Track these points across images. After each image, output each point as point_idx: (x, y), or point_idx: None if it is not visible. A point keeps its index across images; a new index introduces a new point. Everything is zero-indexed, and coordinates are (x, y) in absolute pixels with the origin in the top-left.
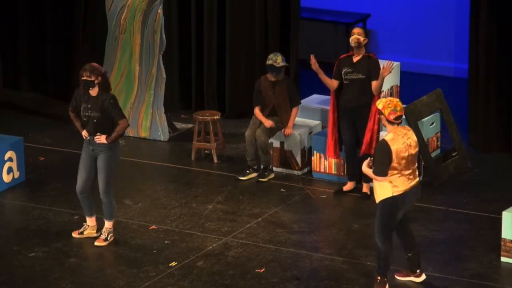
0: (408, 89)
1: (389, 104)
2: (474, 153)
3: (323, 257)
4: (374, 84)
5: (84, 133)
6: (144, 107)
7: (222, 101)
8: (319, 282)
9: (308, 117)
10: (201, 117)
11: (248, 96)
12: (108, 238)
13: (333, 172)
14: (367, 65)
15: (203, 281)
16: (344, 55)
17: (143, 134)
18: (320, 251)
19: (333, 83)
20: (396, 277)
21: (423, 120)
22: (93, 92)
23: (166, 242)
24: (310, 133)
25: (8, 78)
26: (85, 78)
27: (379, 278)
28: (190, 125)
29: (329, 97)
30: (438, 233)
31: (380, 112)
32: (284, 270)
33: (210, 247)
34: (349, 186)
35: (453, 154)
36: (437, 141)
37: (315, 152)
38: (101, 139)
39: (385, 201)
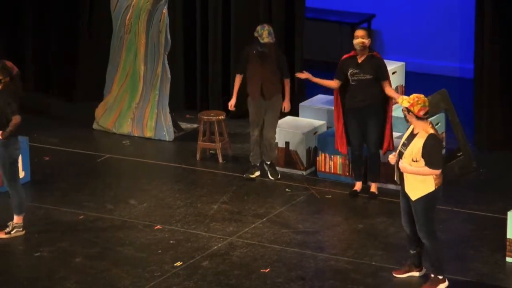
0: (413, 89)
1: (417, 101)
2: (479, 153)
3: (328, 257)
4: (387, 88)
5: None
6: (149, 107)
7: (227, 101)
8: (324, 282)
9: (313, 117)
10: (206, 117)
11: None
12: (12, 233)
13: (338, 172)
14: (372, 65)
15: (208, 281)
16: (347, 55)
17: (148, 134)
18: (325, 251)
19: (333, 84)
20: (395, 275)
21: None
22: None
23: (171, 242)
24: (315, 133)
25: None
26: None
27: (432, 275)
28: (195, 125)
29: (333, 96)
30: (443, 233)
31: (408, 110)
32: (289, 270)
33: (215, 247)
34: (358, 186)
35: (458, 154)
36: (442, 141)
37: (320, 152)
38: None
39: (428, 195)
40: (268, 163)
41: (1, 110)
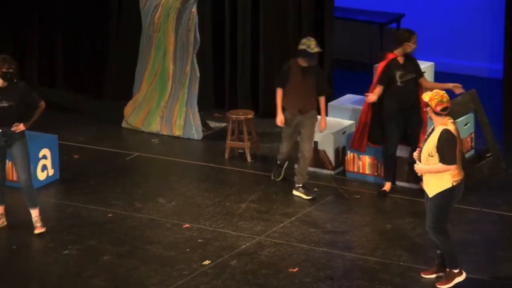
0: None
1: (435, 95)
2: (508, 153)
3: (356, 257)
4: (427, 83)
5: None
6: (178, 105)
7: (255, 100)
8: (352, 282)
9: (342, 116)
10: (234, 116)
11: None
12: (44, 225)
13: (366, 172)
14: (413, 64)
15: (236, 280)
16: (387, 60)
17: (177, 132)
18: (354, 251)
19: (379, 89)
20: (423, 275)
21: (457, 120)
22: (2, 83)
23: (199, 240)
24: (344, 132)
25: (43, 76)
26: (8, 70)
27: (447, 270)
28: (223, 124)
29: (362, 96)
30: (472, 234)
31: (426, 104)
32: (317, 270)
33: (244, 246)
34: (387, 186)
35: (487, 155)
36: (471, 142)
37: (348, 151)
38: (19, 127)
39: (444, 192)
40: (300, 185)
41: (22, 99)
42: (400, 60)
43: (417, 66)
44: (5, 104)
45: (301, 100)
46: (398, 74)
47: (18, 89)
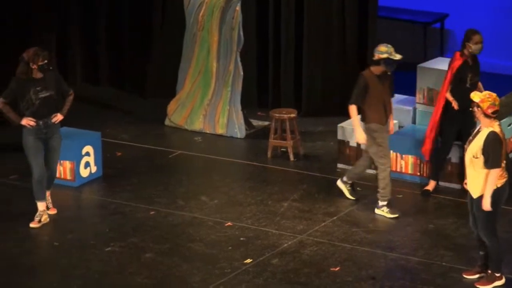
0: (487, 90)
1: (488, 97)
2: None
3: (398, 257)
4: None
5: (29, 121)
6: (221, 104)
7: (299, 99)
8: (394, 282)
9: None
10: (277, 115)
11: (325, 94)
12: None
13: (409, 172)
14: (478, 66)
15: (278, 278)
16: (459, 62)
17: (220, 131)
18: (396, 251)
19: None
20: (465, 276)
21: (501, 121)
22: (39, 74)
23: (241, 239)
24: None
25: (86, 73)
26: (43, 62)
27: (489, 272)
28: (266, 123)
29: (406, 97)
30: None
31: (476, 105)
32: (359, 269)
33: (285, 245)
34: (432, 185)
35: None
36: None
37: (391, 151)
38: (59, 117)
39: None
40: (385, 204)
41: (58, 88)
42: (470, 61)
43: (479, 68)
44: (45, 94)
45: (385, 109)
46: (469, 76)
47: (53, 78)
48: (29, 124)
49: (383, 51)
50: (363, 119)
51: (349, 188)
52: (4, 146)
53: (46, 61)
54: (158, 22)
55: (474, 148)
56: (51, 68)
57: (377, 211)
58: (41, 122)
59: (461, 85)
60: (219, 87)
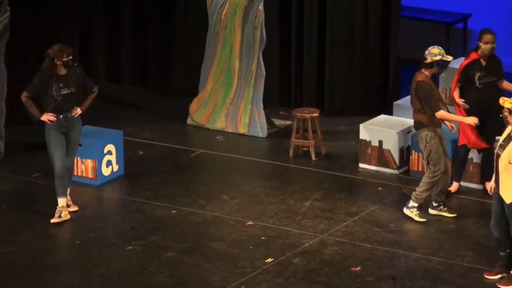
0: None
1: None
2: None
3: (419, 257)
4: (507, 85)
5: (49, 116)
6: (243, 103)
7: (321, 99)
8: (415, 282)
9: (407, 116)
10: (299, 114)
11: (347, 94)
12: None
13: None
14: (495, 66)
15: (299, 278)
16: (468, 60)
17: (242, 130)
18: (417, 251)
19: (457, 93)
20: (486, 276)
21: None
22: (63, 70)
23: (262, 238)
24: (409, 132)
25: (109, 72)
26: (68, 58)
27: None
28: (288, 122)
29: None
30: None
31: (508, 111)
32: (380, 269)
33: (307, 244)
34: (455, 186)
35: None
36: None
37: (413, 151)
38: (78, 111)
39: None
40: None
41: (80, 84)
42: (483, 61)
43: (499, 67)
44: (67, 91)
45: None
46: (477, 75)
47: (76, 74)
48: (49, 120)
49: (436, 53)
50: (420, 126)
51: (444, 208)
52: (27, 145)
53: (70, 58)
54: (181, 21)
55: (508, 153)
56: (75, 64)
57: (406, 211)
58: (61, 116)
59: (469, 84)
60: (241, 86)
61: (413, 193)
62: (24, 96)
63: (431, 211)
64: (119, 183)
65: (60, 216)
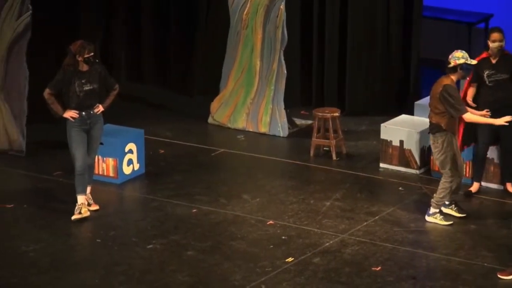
0: None
1: None
2: None
3: (439, 257)
4: None
5: (72, 113)
6: (264, 102)
7: (342, 98)
8: (435, 282)
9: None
10: (320, 114)
11: (368, 94)
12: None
13: None
14: (507, 64)
15: (319, 277)
16: (479, 58)
17: (263, 129)
18: (437, 251)
19: (472, 91)
20: (500, 276)
21: None
22: (85, 67)
23: (283, 237)
24: (430, 132)
25: (131, 71)
26: (89, 55)
27: None
28: (309, 122)
29: None
30: None
31: None
32: (400, 269)
33: (327, 244)
34: (475, 187)
35: None
36: None
37: None
38: (100, 108)
39: None
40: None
41: (102, 81)
42: (493, 59)
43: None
44: (89, 87)
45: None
46: (486, 73)
47: (98, 71)
48: (71, 117)
49: (460, 56)
50: (438, 129)
51: (454, 207)
52: (48, 143)
53: (92, 54)
54: (202, 20)
55: None
56: (97, 61)
57: (429, 218)
58: (83, 113)
59: (481, 83)
60: (262, 85)
61: (432, 200)
62: (47, 93)
63: (443, 209)
64: (140, 182)
65: (80, 213)
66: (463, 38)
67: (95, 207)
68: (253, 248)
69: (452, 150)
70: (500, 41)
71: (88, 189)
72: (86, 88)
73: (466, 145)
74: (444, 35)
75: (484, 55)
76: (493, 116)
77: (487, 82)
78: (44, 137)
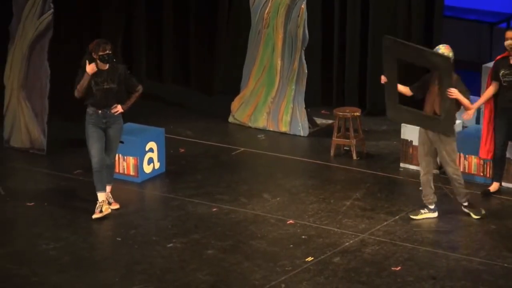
0: None
1: None
2: None
3: (460, 257)
4: None
5: (92, 66)
6: (285, 101)
7: (363, 98)
8: (455, 282)
9: None
10: (341, 113)
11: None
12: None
13: (472, 172)
14: None
15: (339, 277)
16: (500, 56)
17: (283, 128)
18: (457, 251)
19: (493, 89)
20: None
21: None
22: (103, 65)
23: (303, 237)
24: None
25: (151, 70)
26: (104, 53)
27: None
28: (330, 121)
29: (472, 97)
30: None
31: None
32: (420, 269)
33: (347, 244)
34: (495, 186)
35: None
36: None
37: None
38: (118, 109)
39: None
40: (466, 204)
41: (121, 82)
42: (511, 59)
43: None
44: (106, 86)
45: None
46: (501, 73)
47: (118, 71)
48: (90, 70)
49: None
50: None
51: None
52: (68, 142)
53: (106, 52)
54: (223, 19)
55: None
56: (114, 60)
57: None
58: (100, 112)
59: (498, 82)
60: (283, 85)
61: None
62: (76, 91)
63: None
64: (160, 181)
65: (101, 211)
66: (484, 38)
67: (115, 206)
68: (273, 247)
69: (420, 142)
70: (511, 39)
71: (108, 188)
72: (104, 87)
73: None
74: (465, 35)
75: (505, 54)
76: (505, 115)
77: (502, 82)
78: (65, 136)
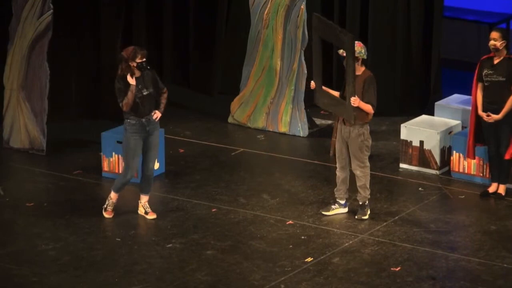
0: None
1: None
2: None
3: (459, 258)
4: None
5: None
6: (285, 102)
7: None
8: (455, 283)
9: (449, 116)
10: None
11: (388, 94)
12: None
13: (472, 173)
14: (506, 68)
15: (339, 277)
16: (486, 56)
17: (283, 129)
18: (457, 252)
19: (478, 88)
20: None
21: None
22: (137, 72)
23: (302, 237)
24: (450, 132)
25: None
26: (142, 60)
27: None
28: (329, 122)
29: (469, 96)
30: None
31: None
32: (419, 270)
33: (346, 244)
34: (493, 187)
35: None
36: None
37: (454, 152)
38: (158, 114)
39: None
40: (360, 203)
41: (155, 85)
42: (496, 60)
43: (510, 70)
44: (145, 92)
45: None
46: (484, 72)
47: (150, 75)
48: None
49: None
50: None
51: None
52: (68, 142)
53: (144, 60)
54: (223, 19)
55: None
56: (148, 67)
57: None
58: (143, 120)
59: (482, 83)
60: (282, 85)
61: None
62: (124, 105)
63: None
64: (159, 181)
65: (112, 210)
66: (484, 38)
67: (152, 215)
68: (272, 247)
69: (337, 138)
70: (494, 39)
71: (146, 198)
72: (144, 93)
73: (479, 142)
74: (465, 36)
75: (491, 54)
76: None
77: (484, 82)
78: (65, 136)
